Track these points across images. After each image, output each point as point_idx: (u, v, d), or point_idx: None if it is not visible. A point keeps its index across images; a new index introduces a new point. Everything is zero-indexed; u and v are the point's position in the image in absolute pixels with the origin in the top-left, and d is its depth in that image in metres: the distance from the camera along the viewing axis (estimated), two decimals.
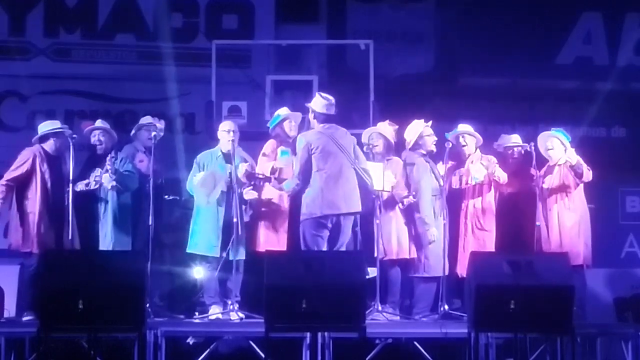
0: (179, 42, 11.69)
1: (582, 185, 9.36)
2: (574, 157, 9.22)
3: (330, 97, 8.93)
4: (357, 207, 8.80)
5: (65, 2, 11.63)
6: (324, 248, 8.72)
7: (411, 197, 9.19)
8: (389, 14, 11.81)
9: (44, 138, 9.21)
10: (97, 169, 9.25)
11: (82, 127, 9.74)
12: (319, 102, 8.92)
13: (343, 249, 8.75)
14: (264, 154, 9.31)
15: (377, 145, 9.27)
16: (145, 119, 9.69)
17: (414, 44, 11.86)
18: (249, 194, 9.10)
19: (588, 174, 9.25)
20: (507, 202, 9.49)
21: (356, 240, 9.12)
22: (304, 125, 9.36)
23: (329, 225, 8.71)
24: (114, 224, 9.20)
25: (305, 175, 8.76)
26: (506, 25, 11.62)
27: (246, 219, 9.16)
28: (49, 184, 9.07)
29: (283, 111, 9.40)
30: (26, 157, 9.13)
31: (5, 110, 11.49)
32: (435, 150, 9.51)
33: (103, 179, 9.17)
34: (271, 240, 9.15)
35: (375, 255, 8.99)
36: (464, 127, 9.59)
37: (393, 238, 9.24)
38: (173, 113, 11.41)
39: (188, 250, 9.18)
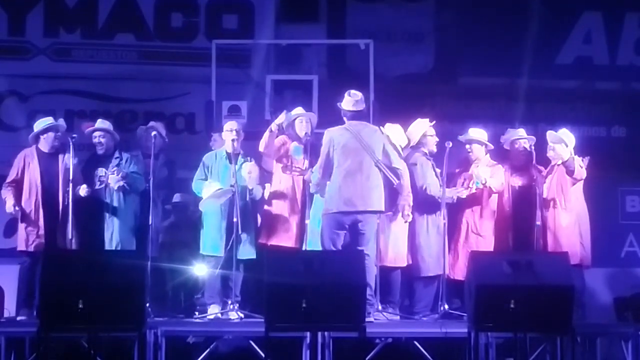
0: (179, 42, 11.69)
1: (580, 185, 9.36)
2: (566, 154, 9.22)
3: (358, 94, 8.87)
4: (377, 205, 8.66)
5: (65, 2, 11.60)
6: (340, 246, 8.65)
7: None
8: (389, 14, 11.79)
9: (37, 137, 9.23)
10: (100, 169, 9.26)
11: (82, 128, 9.75)
12: (346, 100, 8.87)
13: (367, 251, 8.55)
14: (277, 148, 9.30)
15: None
16: (150, 124, 9.76)
17: (414, 44, 11.84)
18: (257, 189, 9.19)
19: (580, 172, 9.24)
20: (512, 199, 9.49)
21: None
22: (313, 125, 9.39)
23: (347, 223, 8.63)
24: (120, 224, 9.19)
25: (325, 169, 8.73)
26: (506, 25, 11.60)
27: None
28: (38, 182, 9.09)
29: (296, 110, 9.42)
30: (19, 157, 9.22)
31: (5, 110, 11.46)
32: (435, 150, 9.52)
33: (109, 179, 9.17)
34: (282, 235, 9.19)
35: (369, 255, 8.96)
36: (474, 133, 9.60)
37: (390, 244, 9.19)
38: (173, 113, 11.42)
39: (202, 252, 9.21)
